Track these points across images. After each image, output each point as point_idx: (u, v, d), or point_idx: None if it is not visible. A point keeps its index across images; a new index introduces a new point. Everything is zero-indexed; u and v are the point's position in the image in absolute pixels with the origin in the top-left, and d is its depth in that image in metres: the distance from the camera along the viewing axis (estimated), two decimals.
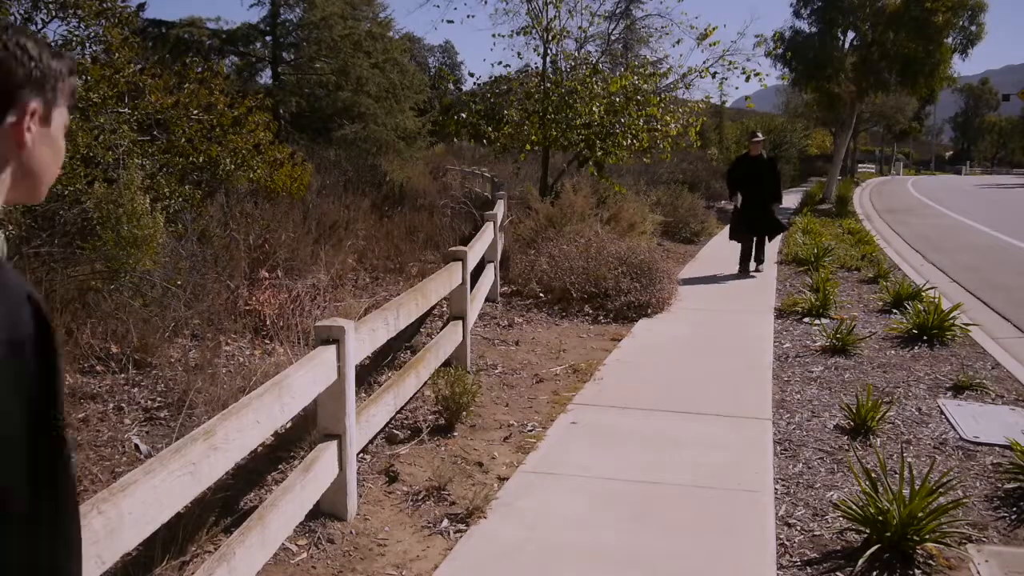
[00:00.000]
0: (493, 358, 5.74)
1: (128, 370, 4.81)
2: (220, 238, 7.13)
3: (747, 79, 13.17)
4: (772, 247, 10.83)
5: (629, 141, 11.70)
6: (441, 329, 5.40)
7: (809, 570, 2.92)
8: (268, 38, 20.34)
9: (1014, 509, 3.38)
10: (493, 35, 15.03)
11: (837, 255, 10.59)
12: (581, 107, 11.57)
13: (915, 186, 34.30)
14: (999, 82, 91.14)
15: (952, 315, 6.35)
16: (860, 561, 2.87)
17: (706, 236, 13.93)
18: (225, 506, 3.24)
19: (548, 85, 12.11)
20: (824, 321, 6.91)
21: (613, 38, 17.07)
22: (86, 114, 6.67)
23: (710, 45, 13.01)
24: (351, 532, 3.18)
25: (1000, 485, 3.61)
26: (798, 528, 3.23)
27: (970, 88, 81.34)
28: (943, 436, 4.25)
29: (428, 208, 12.54)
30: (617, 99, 11.85)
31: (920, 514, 2.96)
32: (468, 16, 35.41)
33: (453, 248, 5.66)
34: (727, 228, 11.14)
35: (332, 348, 3.06)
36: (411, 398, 4.46)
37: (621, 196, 12.58)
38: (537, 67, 13.18)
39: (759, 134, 10.21)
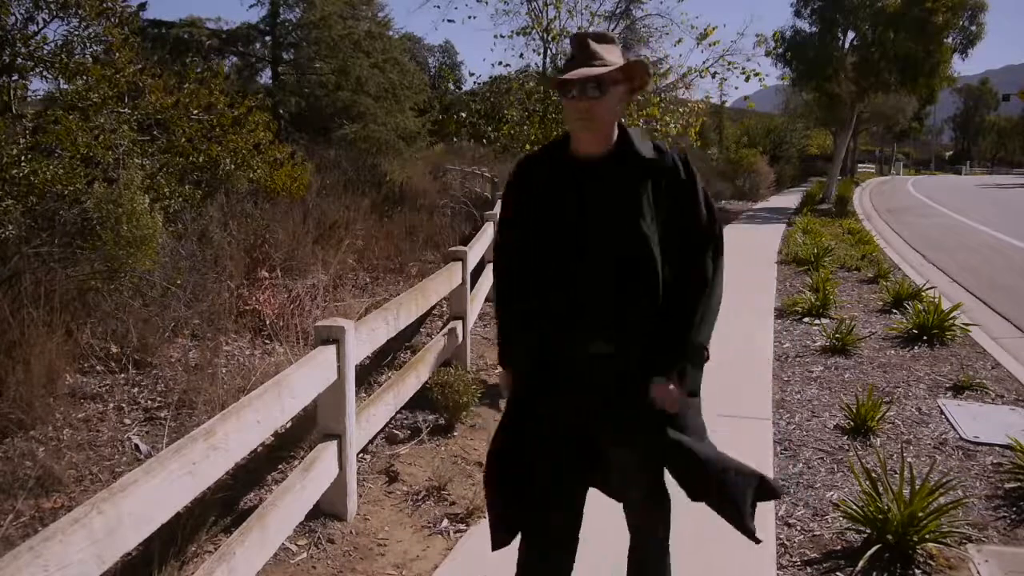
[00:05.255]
0: (493, 358, 5.73)
1: (128, 370, 4.81)
2: (220, 238, 7.13)
3: (747, 79, 13.18)
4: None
5: None
6: (441, 329, 5.40)
7: (809, 570, 2.92)
8: (268, 38, 20.34)
9: (1014, 509, 3.38)
10: (494, 36, 15.08)
11: (837, 255, 10.59)
12: None
13: (915, 186, 34.29)
14: (999, 82, 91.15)
15: (952, 315, 6.35)
16: (860, 561, 2.87)
17: None
18: (225, 506, 3.24)
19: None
20: (824, 321, 6.91)
21: None
22: (86, 114, 6.66)
23: (710, 45, 12.99)
24: (351, 532, 3.18)
25: (1000, 485, 3.61)
26: (798, 528, 3.23)
27: (970, 88, 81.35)
28: (943, 436, 4.25)
29: (428, 208, 12.55)
30: None
31: (920, 514, 2.96)
32: (469, 17, 35.13)
33: (453, 248, 5.66)
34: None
35: (332, 348, 3.06)
36: (411, 398, 4.46)
37: None
38: (537, 67, 13.18)
39: (608, 49, 1.96)
